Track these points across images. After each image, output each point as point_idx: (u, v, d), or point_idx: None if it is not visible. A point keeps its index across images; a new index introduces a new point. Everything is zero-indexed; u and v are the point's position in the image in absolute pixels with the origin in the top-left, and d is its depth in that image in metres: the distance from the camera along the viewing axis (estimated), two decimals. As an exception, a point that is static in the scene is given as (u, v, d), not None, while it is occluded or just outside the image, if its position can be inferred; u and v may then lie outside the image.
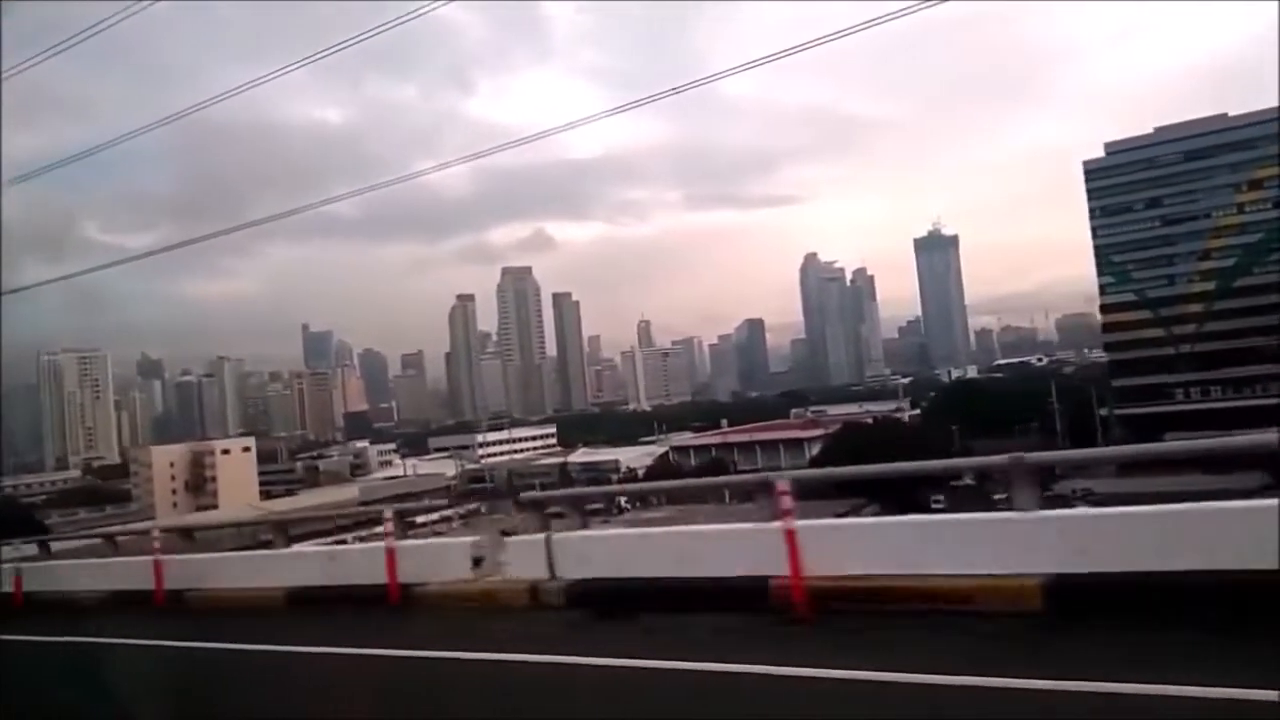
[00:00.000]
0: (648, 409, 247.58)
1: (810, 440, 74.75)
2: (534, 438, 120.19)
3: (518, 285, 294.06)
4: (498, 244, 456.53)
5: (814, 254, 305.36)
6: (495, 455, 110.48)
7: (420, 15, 13.14)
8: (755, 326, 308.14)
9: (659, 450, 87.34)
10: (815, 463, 59.13)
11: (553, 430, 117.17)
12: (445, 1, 12.96)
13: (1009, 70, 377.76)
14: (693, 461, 79.05)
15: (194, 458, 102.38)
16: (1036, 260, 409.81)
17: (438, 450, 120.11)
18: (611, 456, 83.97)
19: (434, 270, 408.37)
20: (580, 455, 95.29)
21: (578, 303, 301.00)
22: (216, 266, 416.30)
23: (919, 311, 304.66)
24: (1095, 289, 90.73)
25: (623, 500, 68.52)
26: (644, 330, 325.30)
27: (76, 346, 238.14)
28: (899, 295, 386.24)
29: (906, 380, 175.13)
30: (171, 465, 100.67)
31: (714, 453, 78.39)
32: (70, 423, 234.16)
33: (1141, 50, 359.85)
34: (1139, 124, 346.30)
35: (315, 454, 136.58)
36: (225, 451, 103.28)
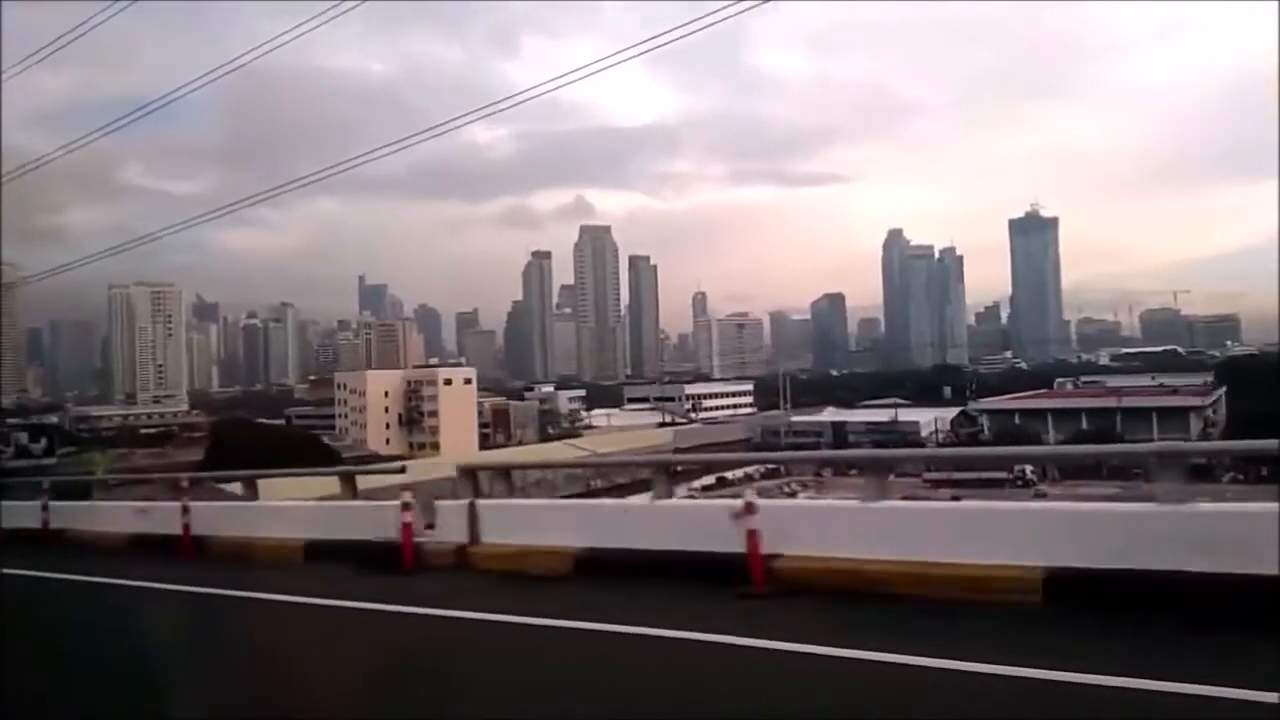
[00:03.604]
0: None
1: (1195, 409, 65.77)
2: (725, 394, 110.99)
3: (596, 244, 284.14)
4: (539, 209, 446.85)
5: (899, 230, 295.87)
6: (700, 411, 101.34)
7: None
8: (836, 302, 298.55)
9: (947, 414, 78.32)
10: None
11: (747, 389, 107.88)
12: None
13: (1053, 64, 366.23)
14: (1017, 424, 70.15)
15: (409, 388, 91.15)
16: (1101, 255, 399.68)
17: (631, 401, 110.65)
18: (909, 418, 74.83)
19: (474, 231, 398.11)
20: (828, 414, 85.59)
21: (655, 266, 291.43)
22: (257, 218, 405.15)
23: (994, 297, 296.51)
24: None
25: (1028, 470, 59.27)
26: (699, 301, 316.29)
27: (149, 280, 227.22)
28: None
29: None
30: (386, 395, 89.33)
31: (1050, 419, 69.27)
32: (141, 358, 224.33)
33: (1183, 48, 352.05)
34: (1189, 121, 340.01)
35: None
36: (448, 382, 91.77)
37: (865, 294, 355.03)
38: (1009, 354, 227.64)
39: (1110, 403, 68.57)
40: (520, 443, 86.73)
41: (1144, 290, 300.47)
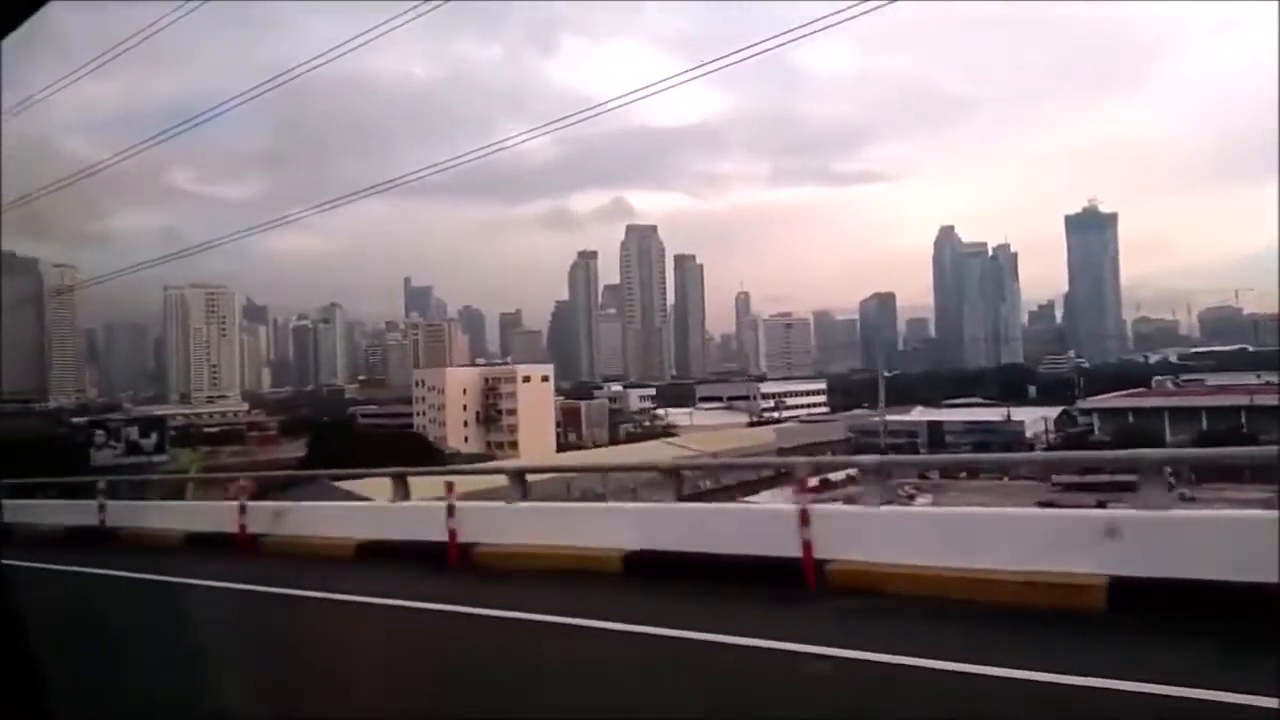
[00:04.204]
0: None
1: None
2: (799, 393, 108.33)
3: (641, 244, 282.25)
4: (577, 210, 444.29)
5: (950, 227, 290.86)
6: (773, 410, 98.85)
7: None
8: (885, 301, 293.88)
9: (1049, 413, 75.11)
10: None
11: (819, 387, 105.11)
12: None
13: (1106, 60, 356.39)
14: (1130, 421, 66.77)
15: (487, 385, 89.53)
16: (1154, 252, 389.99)
17: (703, 400, 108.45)
18: (1010, 417, 71.70)
19: (514, 233, 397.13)
20: (918, 414, 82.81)
21: (701, 266, 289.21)
22: (303, 222, 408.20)
23: (1048, 295, 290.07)
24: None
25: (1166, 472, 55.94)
26: (743, 302, 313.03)
27: (204, 282, 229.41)
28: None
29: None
30: (464, 392, 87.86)
31: (1167, 418, 65.92)
32: (196, 359, 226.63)
33: (1240, 42, 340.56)
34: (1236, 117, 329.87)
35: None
36: (526, 379, 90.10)
37: (914, 293, 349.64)
38: (1073, 353, 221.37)
39: (1241, 400, 64.92)
40: (594, 442, 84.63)
41: (1196, 288, 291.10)
